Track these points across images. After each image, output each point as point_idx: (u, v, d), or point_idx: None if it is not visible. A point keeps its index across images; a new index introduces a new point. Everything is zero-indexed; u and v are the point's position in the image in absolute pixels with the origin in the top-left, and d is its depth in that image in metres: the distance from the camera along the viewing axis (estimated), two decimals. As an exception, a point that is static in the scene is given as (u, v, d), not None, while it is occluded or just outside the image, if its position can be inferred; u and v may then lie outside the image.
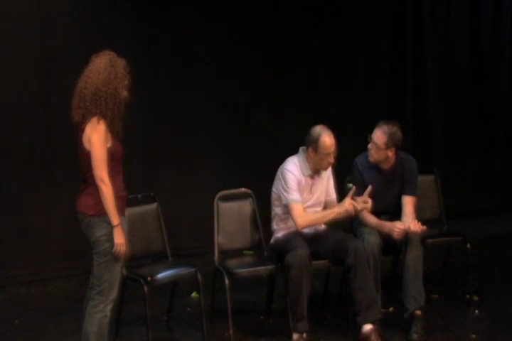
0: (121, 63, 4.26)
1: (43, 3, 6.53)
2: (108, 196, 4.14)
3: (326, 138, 5.19)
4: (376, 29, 8.28)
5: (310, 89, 7.94)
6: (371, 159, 5.43)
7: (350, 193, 5.19)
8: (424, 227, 5.20)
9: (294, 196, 5.19)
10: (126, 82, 4.26)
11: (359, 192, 5.37)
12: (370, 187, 5.20)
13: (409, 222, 5.29)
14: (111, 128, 4.19)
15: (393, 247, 5.38)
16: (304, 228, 5.25)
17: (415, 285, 5.23)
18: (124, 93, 4.25)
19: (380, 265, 5.23)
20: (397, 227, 5.21)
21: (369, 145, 5.41)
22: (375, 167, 5.48)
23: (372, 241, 5.21)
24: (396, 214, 5.48)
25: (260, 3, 7.61)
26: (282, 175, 5.26)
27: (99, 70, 4.20)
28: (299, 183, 5.24)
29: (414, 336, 5.14)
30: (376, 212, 5.42)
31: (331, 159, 5.23)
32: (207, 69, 7.34)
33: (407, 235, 5.26)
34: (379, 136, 5.36)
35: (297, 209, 5.18)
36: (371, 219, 5.39)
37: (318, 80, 8.02)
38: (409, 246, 5.26)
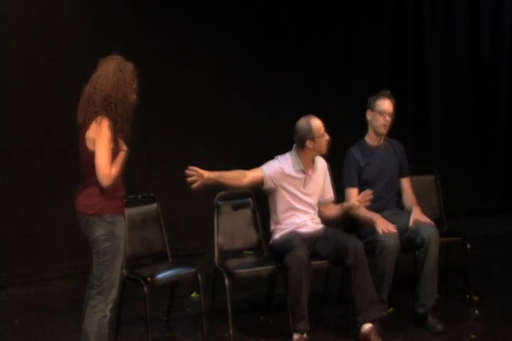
0: (129, 67, 4.28)
1: (42, 3, 6.54)
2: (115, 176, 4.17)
3: (316, 121, 5.27)
4: (376, 29, 8.29)
5: (310, 89, 7.94)
6: (383, 130, 5.53)
7: (359, 197, 5.30)
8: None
9: (263, 167, 5.26)
10: (134, 86, 4.29)
11: (351, 182, 5.47)
12: (368, 191, 5.29)
13: (412, 202, 5.57)
14: (119, 134, 4.21)
15: (411, 245, 5.37)
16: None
17: (433, 281, 5.30)
18: (133, 97, 4.28)
19: (395, 265, 5.26)
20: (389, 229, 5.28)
21: (381, 121, 5.48)
22: (369, 149, 5.57)
23: (393, 242, 5.22)
24: (393, 205, 5.59)
25: (260, 3, 7.61)
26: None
27: (108, 76, 4.22)
28: (290, 175, 5.25)
29: (439, 327, 5.24)
30: (373, 198, 5.44)
31: (327, 136, 5.28)
32: (207, 69, 7.34)
33: (427, 232, 5.30)
34: (389, 103, 5.54)
35: (252, 172, 5.23)
36: (365, 213, 5.42)
37: (318, 80, 8.02)
38: (431, 244, 5.28)
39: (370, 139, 5.62)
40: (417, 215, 5.45)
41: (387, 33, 8.34)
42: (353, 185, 5.50)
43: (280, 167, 5.26)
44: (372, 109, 5.54)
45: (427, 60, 8.52)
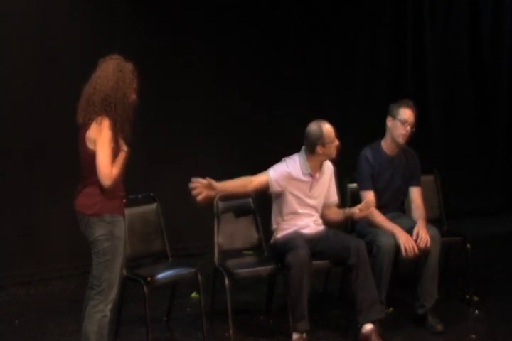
0: (128, 67, 4.28)
1: (42, 3, 6.53)
2: (116, 176, 4.17)
3: (327, 127, 5.22)
4: (376, 29, 8.29)
5: (310, 89, 7.94)
6: (402, 140, 5.44)
7: (361, 205, 5.23)
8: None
9: (269, 171, 5.22)
10: (134, 86, 4.29)
11: (368, 186, 5.41)
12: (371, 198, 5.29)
13: (420, 214, 5.44)
14: (120, 134, 4.22)
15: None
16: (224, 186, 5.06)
17: (433, 282, 5.30)
18: (132, 96, 4.28)
19: (392, 266, 5.26)
20: (411, 250, 5.19)
21: (401, 131, 5.39)
22: (383, 156, 5.51)
23: (390, 243, 5.20)
24: (396, 209, 5.57)
25: (260, 3, 7.61)
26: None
27: (108, 76, 4.22)
28: (297, 178, 5.23)
29: (439, 327, 5.24)
30: (379, 205, 5.42)
31: (337, 142, 5.24)
32: (207, 69, 7.34)
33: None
34: (411, 113, 5.42)
35: (258, 177, 5.19)
36: (385, 223, 5.36)
37: (318, 80, 8.02)
38: (431, 245, 5.26)
39: (387, 146, 5.53)
40: (420, 229, 5.32)
41: (387, 33, 8.33)
42: (368, 188, 5.43)
43: (287, 171, 5.24)
44: (394, 117, 5.42)
45: (427, 60, 8.52)
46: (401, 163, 5.56)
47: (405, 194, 5.62)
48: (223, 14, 7.41)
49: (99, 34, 6.66)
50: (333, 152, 5.26)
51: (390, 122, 5.46)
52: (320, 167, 5.33)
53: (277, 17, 7.69)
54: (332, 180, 5.43)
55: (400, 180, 5.56)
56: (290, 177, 5.23)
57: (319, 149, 5.21)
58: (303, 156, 5.29)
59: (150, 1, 7.10)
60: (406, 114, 5.41)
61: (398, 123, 5.41)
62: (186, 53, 7.25)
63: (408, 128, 5.41)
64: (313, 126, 5.24)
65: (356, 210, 5.25)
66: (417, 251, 5.20)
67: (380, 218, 5.38)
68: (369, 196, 5.37)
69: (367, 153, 5.54)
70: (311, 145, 5.23)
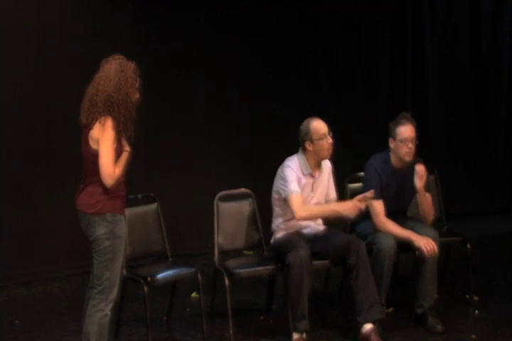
0: (130, 67, 4.28)
1: (42, 3, 6.53)
2: (118, 176, 4.17)
3: (315, 123, 5.22)
4: (376, 29, 8.28)
5: (310, 89, 7.94)
6: (408, 158, 5.37)
7: (360, 196, 5.16)
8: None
9: (293, 187, 5.17)
10: (136, 86, 4.28)
11: (377, 196, 5.34)
12: (372, 191, 5.21)
13: (428, 220, 5.48)
14: (123, 134, 4.22)
15: (411, 245, 5.30)
16: (302, 219, 5.21)
17: (433, 283, 5.29)
18: (136, 96, 4.28)
19: (392, 267, 5.25)
20: (433, 250, 5.19)
21: (404, 149, 5.32)
22: (392, 169, 5.45)
23: (390, 245, 5.19)
24: (400, 214, 5.55)
25: (261, 4, 7.61)
26: (282, 171, 5.26)
27: (110, 77, 4.22)
28: (298, 181, 5.23)
29: (439, 327, 5.23)
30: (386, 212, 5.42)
31: (329, 140, 5.22)
32: (207, 69, 7.34)
33: (427, 234, 5.28)
34: (410, 128, 5.34)
35: (296, 200, 5.14)
36: (398, 231, 5.33)
37: (318, 80, 8.02)
38: None
39: (395, 161, 5.45)
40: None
41: (388, 33, 8.33)
42: (377, 198, 5.35)
43: (297, 177, 5.23)
44: (394, 138, 5.35)
45: (427, 60, 8.52)
46: (409, 175, 5.47)
47: (409, 202, 5.60)
48: (223, 14, 7.40)
49: (99, 34, 6.66)
50: (324, 149, 5.23)
51: (392, 144, 5.40)
52: (319, 166, 5.34)
53: (277, 17, 7.69)
54: (330, 177, 5.44)
55: (408, 192, 5.52)
56: (299, 181, 5.24)
57: (308, 145, 5.22)
58: (302, 156, 5.29)
59: (150, 0, 7.10)
60: (406, 132, 5.33)
61: (400, 144, 5.35)
62: (187, 53, 7.25)
63: (410, 145, 5.33)
64: (303, 123, 5.27)
65: (356, 202, 5.22)
66: (437, 250, 5.21)
67: (393, 227, 5.34)
68: (378, 206, 5.34)
69: (375, 163, 5.48)
70: (301, 142, 5.26)
